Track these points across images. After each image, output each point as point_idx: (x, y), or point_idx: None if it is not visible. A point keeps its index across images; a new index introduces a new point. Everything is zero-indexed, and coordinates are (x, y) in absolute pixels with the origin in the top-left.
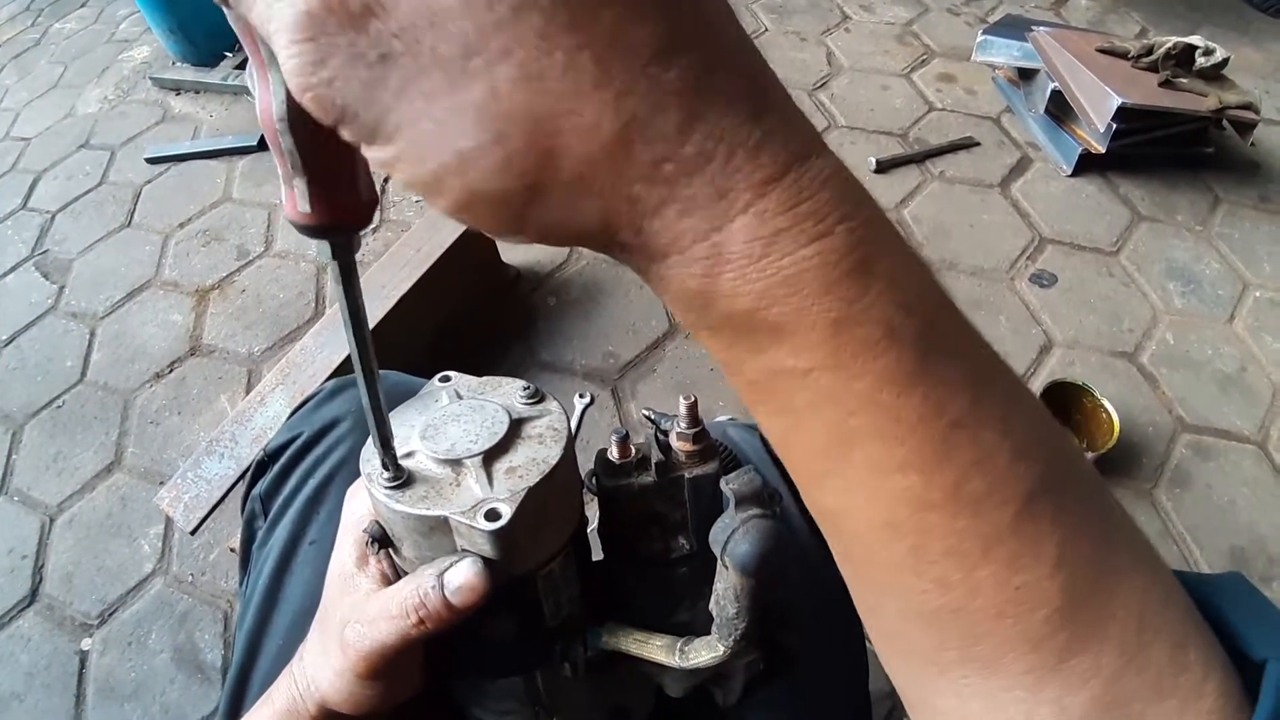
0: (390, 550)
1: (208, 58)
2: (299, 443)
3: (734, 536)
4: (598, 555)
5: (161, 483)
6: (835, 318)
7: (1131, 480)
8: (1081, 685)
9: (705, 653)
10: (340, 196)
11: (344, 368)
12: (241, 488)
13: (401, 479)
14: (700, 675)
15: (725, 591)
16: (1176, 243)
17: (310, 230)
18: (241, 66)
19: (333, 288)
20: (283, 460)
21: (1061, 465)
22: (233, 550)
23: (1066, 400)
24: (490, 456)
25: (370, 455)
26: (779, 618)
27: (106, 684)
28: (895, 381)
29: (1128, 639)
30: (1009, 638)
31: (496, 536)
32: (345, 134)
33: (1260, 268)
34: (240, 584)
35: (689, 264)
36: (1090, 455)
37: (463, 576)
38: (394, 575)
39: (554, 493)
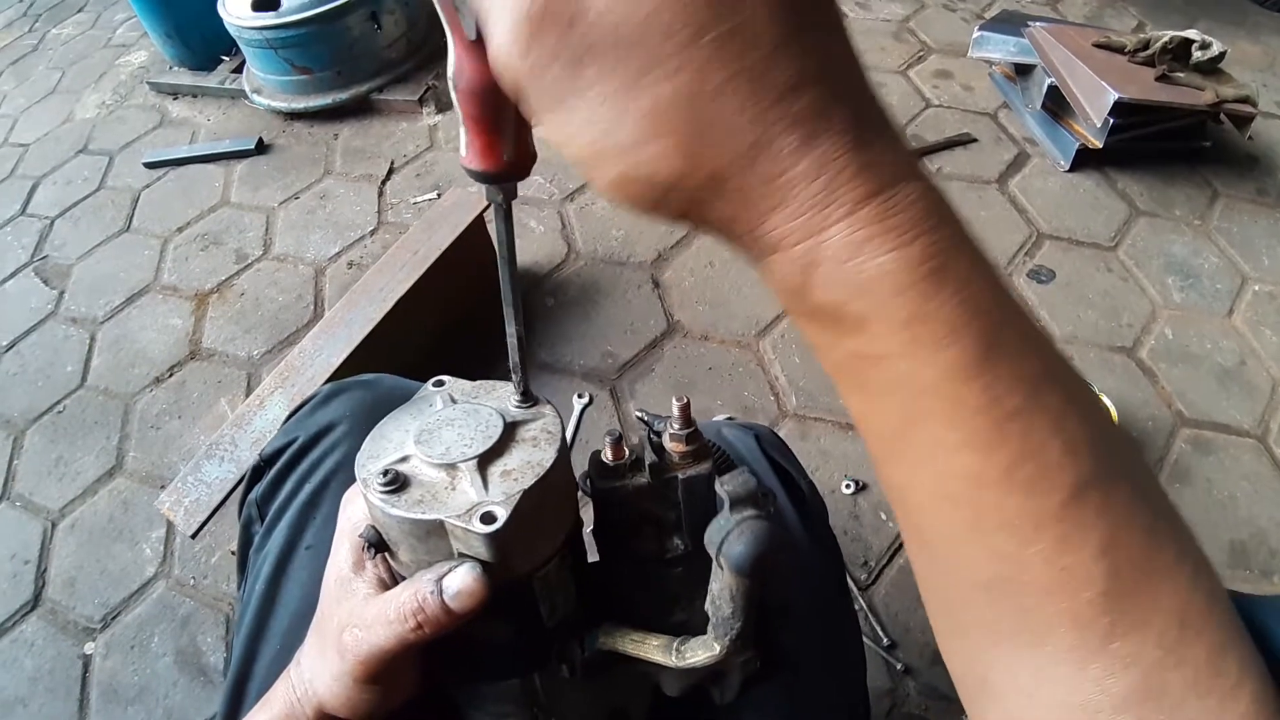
0: (386, 554)
1: (205, 62)
2: (295, 447)
3: (729, 538)
4: (594, 557)
5: (162, 487)
6: (907, 315)
7: None
8: (1123, 670)
9: (701, 652)
10: (493, 152)
11: (342, 371)
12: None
13: (398, 483)
14: (697, 674)
15: (721, 592)
16: (1175, 237)
17: (471, 175)
18: (238, 70)
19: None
20: (279, 465)
21: (1114, 465)
22: (234, 554)
23: None
24: (485, 460)
25: (365, 460)
26: (775, 617)
27: (110, 688)
28: (958, 372)
29: (1168, 633)
30: (1056, 614)
31: (492, 539)
32: (524, 108)
33: (1259, 261)
34: (238, 588)
35: (790, 261)
36: None
37: (461, 581)
38: (390, 580)
39: (549, 495)
